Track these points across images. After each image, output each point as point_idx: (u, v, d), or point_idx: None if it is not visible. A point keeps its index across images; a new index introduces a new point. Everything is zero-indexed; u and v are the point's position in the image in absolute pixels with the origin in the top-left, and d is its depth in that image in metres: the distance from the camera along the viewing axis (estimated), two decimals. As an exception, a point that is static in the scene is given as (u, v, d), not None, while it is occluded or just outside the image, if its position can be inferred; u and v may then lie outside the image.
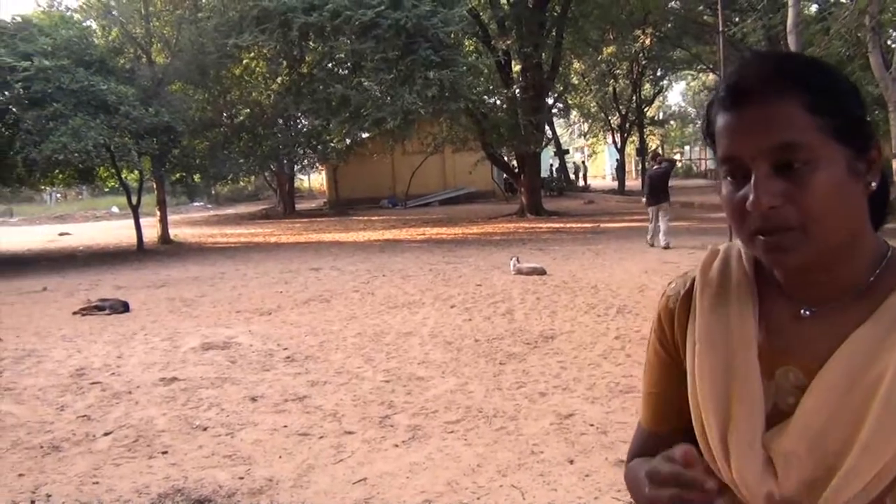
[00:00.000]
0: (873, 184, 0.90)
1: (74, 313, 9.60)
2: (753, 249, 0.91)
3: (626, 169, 37.56)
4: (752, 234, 0.88)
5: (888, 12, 13.29)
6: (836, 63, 14.51)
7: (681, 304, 1.03)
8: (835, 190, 0.85)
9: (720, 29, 13.48)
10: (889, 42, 16.81)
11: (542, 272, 10.81)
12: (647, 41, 30.95)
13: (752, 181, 0.85)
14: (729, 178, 0.89)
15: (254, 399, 5.50)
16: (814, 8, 21.01)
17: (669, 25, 30.48)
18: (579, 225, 19.15)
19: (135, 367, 6.69)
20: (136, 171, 18.94)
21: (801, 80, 0.87)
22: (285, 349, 7.08)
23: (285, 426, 4.86)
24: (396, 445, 4.42)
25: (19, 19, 18.09)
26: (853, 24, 13.00)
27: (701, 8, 30.41)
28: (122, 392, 5.85)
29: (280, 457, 4.34)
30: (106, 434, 4.86)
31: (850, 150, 0.87)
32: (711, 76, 38.33)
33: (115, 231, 24.95)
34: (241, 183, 36.32)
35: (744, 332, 0.95)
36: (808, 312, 0.93)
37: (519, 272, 10.87)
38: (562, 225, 19.42)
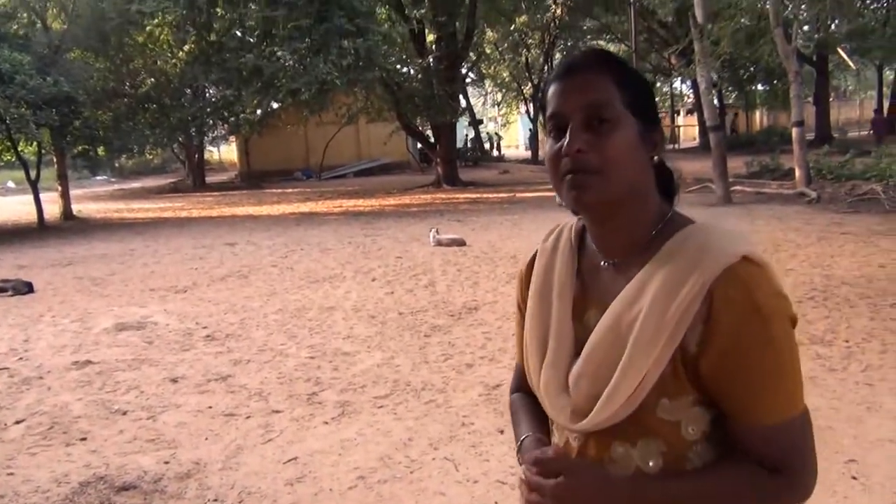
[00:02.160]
0: (656, 158, 1.15)
1: (-27, 296, 9.10)
2: (563, 192, 1.12)
3: (540, 138, 37.99)
4: (563, 176, 1.10)
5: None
6: (745, 37, 15.14)
7: (526, 268, 1.33)
8: (627, 147, 1.09)
9: (631, 1, 13.69)
10: (789, 15, 17.46)
11: (461, 243, 10.86)
12: (559, 11, 31.23)
13: (568, 131, 1.09)
14: (552, 135, 1.12)
15: (174, 380, 5.35)
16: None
17: (580, -5, 30.82)
18: (496, 195, 19.30)
19: (44, 350, 6.40)
20: (35, 144, 17.97)
21: (614, 64, 1.14)
22: (204, 328, 6.91)
23: (210, 407, 4.75)
24: (326, 422, 4.39)
25: None
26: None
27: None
28: (31, 377, 5.59)
29: (206, 439, 4.24)
30: (18, 422, 4.65)
31: (640, 123, 1.12)
32: (622, 46, 39.10)
33: (11, 207, 23.71)
34: (148, 155, 34.96)
35: (563, 286, 1.21)
36: (606, 264, 1.17)
37: (439, 244, 10.89)
38: (478, 195, 19.54)
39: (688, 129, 41.69)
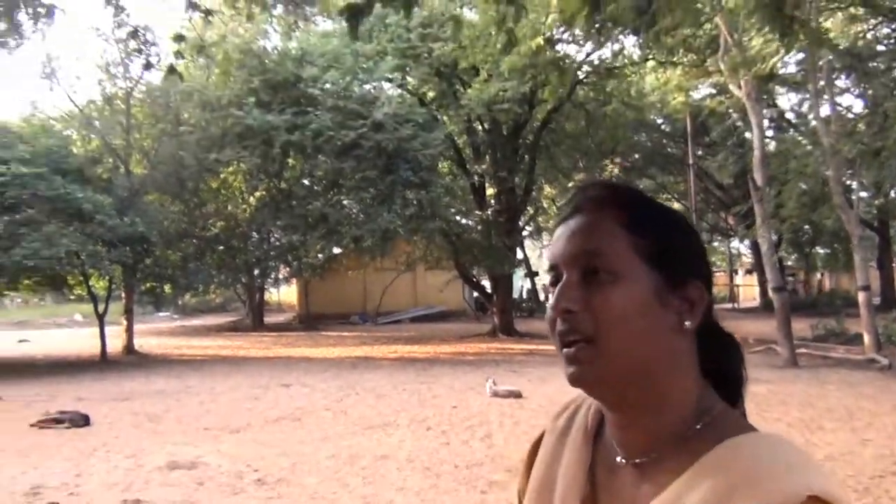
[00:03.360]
0: (687, 323, 0.87)
1: (32, 425, 9.18)
2: (563, 364, 0.87)
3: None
4: (561, 346, 0.86)
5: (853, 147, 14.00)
6: (809, 201, 15.25)
7: (529, 453, 1.03)
8: (632, 308, 0.84)
9: (690, 162, 14.02)
10: (847, 181, 17.59)
11: (518, 395, 10.66)
12: (615, 170, 32.06)
13: (559, 285, 0.87)
14: (551, 291, 0.89)
15: (223, 525, 5.21)
16: (772, 146, 22.14)
17: (636, 156, 31.74)
18: (552, 347, 18.95)
19: (95, 486, 6.34)
20: (106, 280, 18.66)
21: (624, 200, 0.90)
22: (256, 471, 6.79)
23: (258, 556, 4.58)
24: (378, 581, 4.18)
25: (-1, 126, 18.28)
26: (816, 164, 13.65)
27: (665, 141, 31.87)
28: (81, 514, 5.51)
29: (253, 591, 4.06)
30: (64, 562, 4.54)
31: (661, 276, 0.86)
32: (676, 205, 39.66)
33: (77, 339, 24.31)
34: (211, 294, 35.92)
35: (569, 485, 0.92)
36: (622, 461, 0.89)
37: (495, 394, 10.70)
38: (534, 347, 19.33)
39: (747, 289, 41.23)
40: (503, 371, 13.91)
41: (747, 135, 21.00)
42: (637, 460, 0.87)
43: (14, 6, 7.46)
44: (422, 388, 11.90)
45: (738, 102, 16.09)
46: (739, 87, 14.58)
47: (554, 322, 0.87)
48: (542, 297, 39.37)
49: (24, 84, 66.57)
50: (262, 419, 9.50)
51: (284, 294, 46.39)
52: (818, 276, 39.78)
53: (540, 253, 48.70)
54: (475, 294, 28.40)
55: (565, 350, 0.85)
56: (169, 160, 19.53)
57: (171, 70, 7.61)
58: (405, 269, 25.94)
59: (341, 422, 9.21)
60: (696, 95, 24.71)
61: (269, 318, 34.05)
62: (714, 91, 22.05)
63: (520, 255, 31.32)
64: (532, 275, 38.26)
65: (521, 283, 37.69)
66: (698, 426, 0.85)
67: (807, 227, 30.47)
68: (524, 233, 31.55)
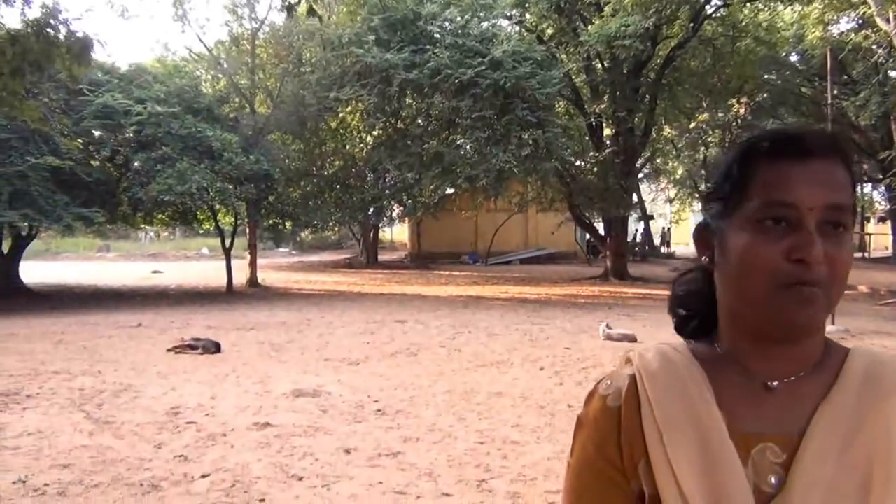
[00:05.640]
0: None
1: (168, 350, 9.83)
2: (776, 303, 0.88)
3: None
4: (784, 286, 0.87)
5: None
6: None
7: (626, 401, 0.97)
8: (851, 259, 0.91)
9: (829, 101, 13.16)
10: None
11: (633, 339, 10.52)
12: (742, 110, 30.49)
13: (804, 231, 0.87)
14: (761, 227, 0.89)
15: (347, 451, 5.44)
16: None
17: (765, 96, 30.03)
18: (667, 293, 18.65)
19: (228, 409, 6.74)
20: (232, 215, 19.53)
21: (847, 154, 0.93)
22: (375, 401, 7.03)
23: (381, 482, 4.77)
24: (496, 513, 4.28)
25: (135, 67, 19.15)
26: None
27: (799, 80, 29.96)
28: (216, 434, 5.88)
29: (377, 515, 4.24)
30: (203, 476, 4.87)
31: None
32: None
33: (204, 272, 25.70)
34: (328, 231, 37.06)
35: (711, 415, 0.92)
36: (775, 384, 0.93)
37: (609, 338, 10.61)
38: (648, 291, 18.99)
39: (879, 238, 38.84)
40: (616, 315, 13.75)
41: (893, 73, 19.50)
42: (783, 382, 0.94)
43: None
44: (534, 329, 11.94)
45: (886, 37, 14.88)
46: (888, 20, 13.47)
47: (775, 263, 0.88)
48: (656, 241, 38.50)
49: (157, 26, 69.58)
50: (379, 353, 9.80)
51: (397, 233, 47.31)
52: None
53: (654, 196, 47.44)
54: (587, 237, 28.03)
55: (806, 289, 0.87)
56: (291, 100, 20.02)
57: (311, 12, 7.78)
58: (517, 211, 25.83)
59: (455, 358, 9.38)
60: (835, 30, 23.00)
61: (383, 256, 34.87)
62: (857, 25, 20.47)
63: (635, 197, 30.55)
64: (647, 218, 37.35)
65: (634, 227, 36.89)
66: (826, 344, 0.97)
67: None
68: (640, 174, 30.70)
